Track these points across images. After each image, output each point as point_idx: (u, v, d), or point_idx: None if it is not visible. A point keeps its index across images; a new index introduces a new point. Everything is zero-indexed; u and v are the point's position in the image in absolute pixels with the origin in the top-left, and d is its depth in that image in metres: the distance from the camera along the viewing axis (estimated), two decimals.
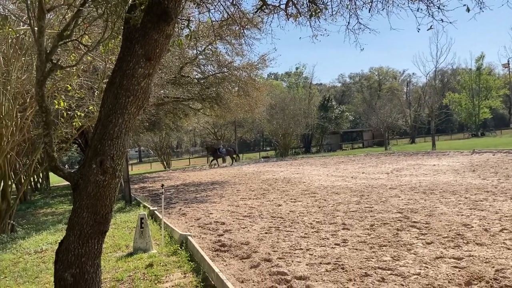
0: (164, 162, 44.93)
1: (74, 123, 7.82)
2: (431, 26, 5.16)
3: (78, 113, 7.53)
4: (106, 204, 3.70)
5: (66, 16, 3.75)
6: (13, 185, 13.78)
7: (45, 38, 3.34)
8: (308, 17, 6.38)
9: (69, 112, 8.05)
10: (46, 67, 3.36)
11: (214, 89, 21.36)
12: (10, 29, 3.77)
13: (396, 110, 55.01)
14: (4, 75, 9.67)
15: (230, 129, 48.63)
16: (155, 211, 11.11)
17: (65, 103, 6.52)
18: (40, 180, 27.55)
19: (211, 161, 36.98)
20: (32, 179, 23.81)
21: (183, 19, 4.05)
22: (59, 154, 16.09)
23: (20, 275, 6.97)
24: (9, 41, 9.73)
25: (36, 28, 3.28)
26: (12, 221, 10.81)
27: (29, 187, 21.72)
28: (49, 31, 4.58)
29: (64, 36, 3.43)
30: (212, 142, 48.13)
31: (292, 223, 9.40)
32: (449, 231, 7.60)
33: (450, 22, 5.35)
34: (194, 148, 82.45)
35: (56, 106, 6.23)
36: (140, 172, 41.38)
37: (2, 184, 10.75)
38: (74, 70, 7.14)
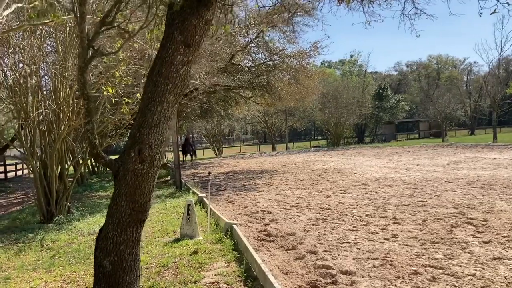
0: (216, 149, 45.47)
1: (122, 110, 7.97)
2: (495, 10, 4.73)
3: (126, 100, 7.66)
4: (144, 193, 3.69)
5: (109, 2, 3.74)
6: (71, 168, 14.39)
7: (86, 24, 3.33)
8: (360, 1, 6.07)
9: (117, 99, 8.21)
10: (87, 54, 3.37)
11: (264, 77, 21.21)
12: (56, 16, 3.81)
13: (455, 100, 52.59)
14: (61, 63, 10.01)
15: (280, 118, 48.37)
16: (203, 198, 11.20)
17: (113, 90, 6.62)
18: (97, 164, 28.69)
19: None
20: (89, 162, 24.83)
21: (227, 4, 3.93)
22: (115, 139, 16.63)
23: (73, 256, 7.26)
24: (67, 29, 10.05)
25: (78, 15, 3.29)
26: (68, 203, 11.27)
27: (86, 170, 22.65)
28: (91, 16, 4.61)
29: (106, 22, 3.42)
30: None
31: (340, 215, 9.18)
32: (510, 230, 7.11)
33: None
34: (246, 136, 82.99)
35: (105, 93, 6.36)
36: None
37: (59, 167, 11.21)
38: (121, 57, 7.24)
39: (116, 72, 7.48)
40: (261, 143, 65.03)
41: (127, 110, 8.00)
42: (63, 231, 9.38)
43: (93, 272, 4.02)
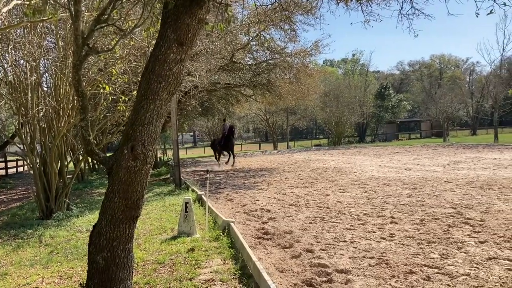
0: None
1: (119, 107, 8.00)
2: (491, 11, 4.73)
3: (123, 98, 7.68)
4: (137, 190, 3.71)
5: (104, 0, 3.76)
6: (71, 165, 14.42)
7: (80, 22, 3.35)
8: (358, 1, 6.08)
9: (114, 97, 8.24)
10: (82, 52, 3.39)
11: (265, 75, 21.22)
12: (50, 14, 3.83)
13: (457, 100, 52.52)
14: (61, 60, 10.04)
15: (282, 116, 48.41)
16: (202, 196, 11.23)
17: (110, 88, 6.65)
18: None
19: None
20: (90, 159, 24.87)
21: (220, 3, 3.93)
22: (116, 136, 16.67)
23: (70, 252, 7.29)
24: (68, 26, 10.07)
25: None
26: (67, 200, 11.31)
27: (87, 167, 22.70)
28: (87, 14, 4.63)
29: (102, 20, 3.44)
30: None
31: (338, 214, 9.19)
32: (506, 230, 7.11)
33: None
34: (247, 134, 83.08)
35: (101, 91, 6.38)
36: (193, 156, 42.30)
37: (59, 164, 11.24)
38: (118, 55, 7.27)
39: (113, 70, 7.51)
40: (263, 142, 65.12)
41: (124, 108, 8.01)
42: (62, 228, 9.42)
43: None
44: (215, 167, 23.23)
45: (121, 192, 3.70)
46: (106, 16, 3.44)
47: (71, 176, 11.96)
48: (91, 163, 26.89)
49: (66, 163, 11.78)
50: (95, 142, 19.03)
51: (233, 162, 22.73)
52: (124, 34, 3.89)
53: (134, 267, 4.99)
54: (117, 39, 4.30)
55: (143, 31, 4.24)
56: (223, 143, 22.03)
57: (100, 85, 6.48)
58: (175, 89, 3.63)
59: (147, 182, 3.85)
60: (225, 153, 23.58)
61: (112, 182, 3.71)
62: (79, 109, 3.65)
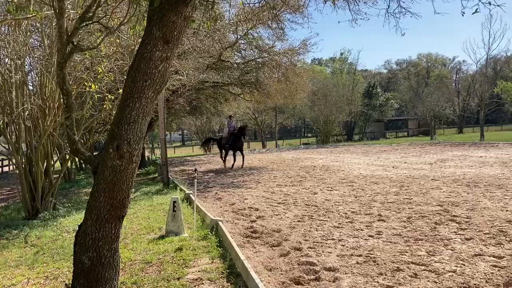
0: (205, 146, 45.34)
1: (105, 106, 7.93)
2: (476, 10, 4.77)
3: (109, 96, 7.62)
4: (123, 189, 3.68)
5: None
6: (58, 164, 14.26)
7: (66, 20, 3.31)
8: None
9: (100, 95, 8.17)
10: (67, 50, 3.35)
11: (254, 74, 21.20)
12: (34, 12, 3.77)
13: (444, 98, 53.07)
14: (47, 58, 9.92)
15: (270, 115, 48.43)
16: (190, 195, 11.19)
17: (96, 86, 6.59)
18: None
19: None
20: (77, 158, 24.63)
21: (209, 1, 3.91)
22: (102, 134, 16.54)
23: (57, 252, 7.21)
24: (53, 24, 9.95)
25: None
26: (54, 199, 11.19)
27: (74, 166, 22.48)
28: (73, 11, 4.58)
29: (86, 18, 3.40)
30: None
31: (326, 212, 9.22)
32: (491, 227, 7.20)
33: (498, 5, 4.92)
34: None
35: (87, 89, 6.32)
36: (182, 155, 42.10)
37: (45, 163, 11.12)
38: (104, 53, 7.21)
39: (99, 68, 7.44)
40: (251, 140, 65.05)
41: (110, 106, 7.95)
42: (48, 228, 9.31)
43: None
44: (218, 166, 22.65)
45: (106, 191, 3.66)
46: (91, 14, 3.40)
47: (58, 175, 11.83)
48: (78, 162, 26.63)
49: (52, 163, 11.65)
50: (81, 141, 18.90)
51: (242, 163, 21.25)
52: (109, 32, 3.85)
53: (121, 267, 4.95)
54: (102, 37, 4.26)
55: (130, 29, 4.20)
56: (231, 143, 20.40)
57: (86, 84, 6.41)
58: (161, 87, 3.60)
59: (133, 181, 3.82)
60: (228, 153, 21.55)
61: (98, 181, 3.68)
62: (64, 108, 3.60)
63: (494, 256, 5.71)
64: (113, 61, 8.44)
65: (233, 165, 20.89)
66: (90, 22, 3.49)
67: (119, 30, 4.12)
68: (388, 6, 6.25)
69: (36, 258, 6.94)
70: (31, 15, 4.40)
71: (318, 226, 7.96)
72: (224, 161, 21.59)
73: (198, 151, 46.29)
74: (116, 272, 3.89)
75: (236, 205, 10.74)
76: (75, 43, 3.43)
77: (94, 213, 3.71)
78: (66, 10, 3.58)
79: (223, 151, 21.66)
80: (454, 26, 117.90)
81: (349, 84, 58.05)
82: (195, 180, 8.86)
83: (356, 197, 10.81)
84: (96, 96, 7.96)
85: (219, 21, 14.72)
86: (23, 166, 10.57)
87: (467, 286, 4.77)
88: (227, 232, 7.00)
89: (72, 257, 6.66)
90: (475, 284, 4.80)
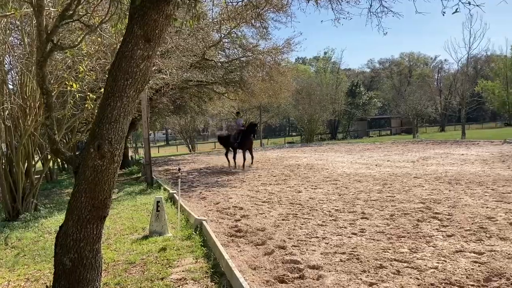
0: (189, 146, 45.23)
1: (86, 105, 7.84)
2: (456, 9, 4.83)
3: (90, 95, 7.53)
4: (105, 189, 3.64)
5: None
6: (40, 164, 14.06)
7: (45, 17, 3.26)
8: None
9: (81, 95, 8.07)
10: (46, 48, 3.29)
11: (238, 73, 21.17)
12: (13, 9, 3.70)
13: (426, 97, 53.73)
14: (27, 57, 9.76)
15: (255, 114, 48.44)
16: (174, 194, 11.13)
17: (77, 86, 6.51)
18: None
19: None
20: (59, 159, 24.29)
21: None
22: (84, 134, 16.32)
23: (38, 254, 7.10)
24: (33, 21, 9.79)
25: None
26: (35, 200, 11.02)
27: (56, 166, 22.17)
28: (53, 9, 4.52)
29: (67, 16, 3.35)
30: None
31: (310, 210, 9.26)
32: (472, 223, 7.31)
33: (477, 5, 4.99)
34: (220, 131, 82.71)
35: (68, 88, 6.23)
36: (166, 154, 41.90)
37: (26, 163, 10.94)
38: (85, 52, 7.13)
39: (80, 67, 7.35)
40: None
41: (92, 106, 7.86)
42: (29, 229, 9.16)
43: None
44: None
45: (87, 192, 3.61)
46: (71, 12, 3.35)
47: (39, 176, 11.65)
48: (60, 163, 26.26)
49: (34, 163, 11.47)
50: (64, 140, 18.65)
51: (252, 161, 20.39)
52: (90, 30, 3.81)
53: (104, 268, 4.90)
54: (83, 35, 4.21)
55: (111, 28, 4.15)
56: (240, 141, 19.13)
57: (67, 83, 6.32)
58: (142, 86, 3.56)
59: (114, 181, 3.78)
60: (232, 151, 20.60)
61: (79, 181, 3.63)
62: (45, 107, 3.55)
63: (474, 252, 5.80)
64: (95, 60, 8.34)
65: (243, 164, 19.55)
66: (70, 20, 3.44)
67: (101, 28, 4.07)
68: (371, 6, 6.30)
69: (16, 260, 6.83)
70: (9, 13, 4.33)
71: (302, 224, 8.00)
72: (234, 159, 20.38)
73: (182, 150, 46.15)
74: (98, 273, 3.85)
75: (221, 204, 10.73)
76: (55, 42, 3.38)
77: (75, 214, 3.66)
78: (46, 8, 3.52)
79: (231, 149, 20.59)
80: (436, 25, 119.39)
81: (332, 83, 58.36)
82: (179, 179, 8.83)
83: (339, 195, 10.88)
84: (77, 95, 7.85)
85: (202, 20, 14.65)
86: (3, 166, 10.38)
87: (448, 282, 4.84)
88: (211, 232, 6.98)
89: (53, 259, 6.62)
90: (456, 280, 4.87)
